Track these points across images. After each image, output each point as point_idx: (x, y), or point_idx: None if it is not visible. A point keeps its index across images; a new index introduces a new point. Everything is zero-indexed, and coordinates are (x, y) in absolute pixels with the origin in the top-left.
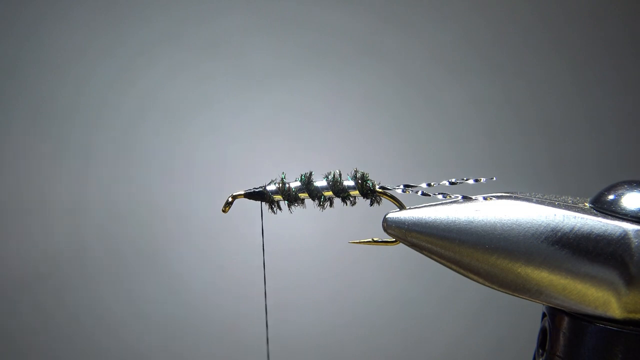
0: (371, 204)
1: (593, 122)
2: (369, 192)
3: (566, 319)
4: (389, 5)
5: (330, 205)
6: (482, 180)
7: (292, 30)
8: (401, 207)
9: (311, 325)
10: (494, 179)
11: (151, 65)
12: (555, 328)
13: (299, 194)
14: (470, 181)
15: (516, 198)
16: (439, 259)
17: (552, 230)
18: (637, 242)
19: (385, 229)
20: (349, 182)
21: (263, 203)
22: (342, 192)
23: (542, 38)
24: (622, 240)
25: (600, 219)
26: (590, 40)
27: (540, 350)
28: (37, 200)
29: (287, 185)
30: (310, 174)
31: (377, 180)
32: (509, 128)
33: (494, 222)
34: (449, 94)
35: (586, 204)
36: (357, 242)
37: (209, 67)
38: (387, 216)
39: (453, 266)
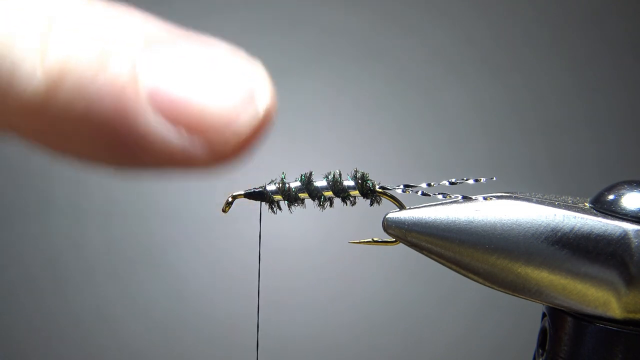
0: (371, 204)
1: (593, 122)
2: (369, 192)
3: (566, 319)
4: (389, 5)
5: (330, 205)
6: (482, 180)
7: (291, 30)
8: (401, 207)
9: (311, 325)
10: (494, 179)
11: None
12: (555, 328)
13: (299, 194)
14: (470, 181)
15: (516, 198)
16: (439, 259)
17: (552, 230)
18: (637, 242)
19: (385, 229)
20: (349, 182)
21: (263, 203)
22: (342, 192)
23: (542, 38)
24: (622, 240)
25: (600, 219)
26: (590, 40)
27: (540, 350)
28: (37, 199)
29: (287, 185)
30: (310, 174)
31: (377, 180)
32: (509, 128)
33: (494, 222)
34: (449, 94)
35: (586, 204)
36: (357, 242)
37: None
38: (387, 216)
39: (453, 266)
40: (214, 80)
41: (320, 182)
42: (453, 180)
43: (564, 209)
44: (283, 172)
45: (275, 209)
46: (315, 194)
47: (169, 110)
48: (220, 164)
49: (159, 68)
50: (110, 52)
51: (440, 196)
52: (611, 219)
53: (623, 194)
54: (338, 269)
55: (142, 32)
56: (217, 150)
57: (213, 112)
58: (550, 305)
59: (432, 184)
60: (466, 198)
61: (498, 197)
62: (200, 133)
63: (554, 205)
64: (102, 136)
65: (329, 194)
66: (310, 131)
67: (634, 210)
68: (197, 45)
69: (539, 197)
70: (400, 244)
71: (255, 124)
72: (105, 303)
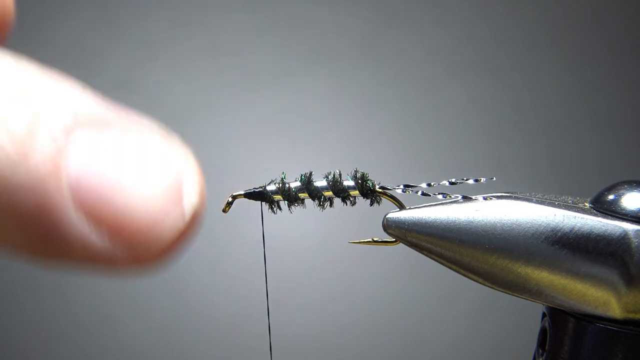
0: (371, 204)
1: (593, 122)
2: (369, 192)
3: (566, 319)
4: (388, 5)
5: (330, 205)
6: (482, 180)
7: (292, 30)
8: (401, 207)
9: (311, 325)
10: (494, 179)
11: (151, 65)
12: (555, 328)
13: (299, 194)
14: (470, 181)
15: (516, 198)
16: (439, 259)
17: (552, 230)
18: (637, 242)
19: (385, 229)
20: (349, 182)
21: (263, 203)
22: (342, 192)
23: (542, 38)
24: (622, 240)
25: (600, 219)
26: (590, 41)
27: (540, 350)
28: None
29: (287, 185)
30: (310, 174)
31: (377, 180)
32: (509, 128)
33: (494, 222)
34: (449, 94)
35: (586, 204)
36: (357, 242)
37: (209, 67)
38: (387, 216)
39: (453, 266)
40: (141, 176)
41: (320, 182)
42: (453, 180)
43: (564, 209)
44: (283, 172)
45: (275, 209)
46: (315, 194)
47: (91, 208)
48: (142, 267)
49: (84, 158)
50: (33, 134)
51: (440, 196)
52: (611, 219)
53: (623, 194)
54: (338, 269)
55: (71, 109)
56: (139, 254)
57: (137, 214)
58: (550, 305)
59: (432, 184)
60: (466, 198)
61: (498, 197)
62: (123, 236)
63: (554, 205)
64: (18, 228)
65: (329, 194)
66: (310, 131)
67: (634, 210)
68: (128, 130)
69: (539, 197)
70: (400, 244)
71: (180, 228)
72: (105, 303)
